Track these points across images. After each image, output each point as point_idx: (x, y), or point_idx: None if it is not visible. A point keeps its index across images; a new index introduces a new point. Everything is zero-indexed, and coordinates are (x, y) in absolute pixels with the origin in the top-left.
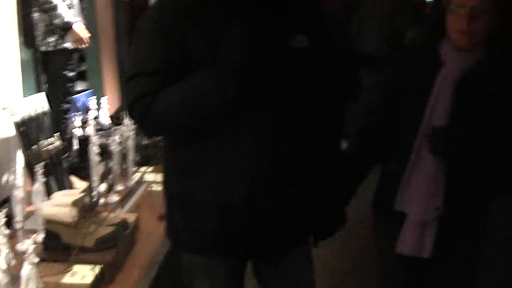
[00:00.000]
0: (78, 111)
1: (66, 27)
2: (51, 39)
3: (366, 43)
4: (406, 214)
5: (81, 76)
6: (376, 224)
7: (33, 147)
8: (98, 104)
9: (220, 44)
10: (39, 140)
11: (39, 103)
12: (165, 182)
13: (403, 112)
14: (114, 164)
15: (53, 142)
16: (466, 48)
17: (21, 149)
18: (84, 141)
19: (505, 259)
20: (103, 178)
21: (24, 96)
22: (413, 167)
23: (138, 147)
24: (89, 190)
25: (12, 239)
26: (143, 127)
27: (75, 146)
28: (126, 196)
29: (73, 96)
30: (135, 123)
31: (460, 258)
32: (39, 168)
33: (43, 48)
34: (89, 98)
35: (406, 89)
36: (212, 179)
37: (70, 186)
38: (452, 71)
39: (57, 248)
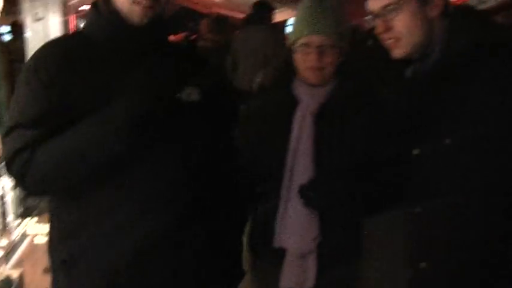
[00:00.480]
0: None
1: None
2: None
3: (240, 79)
4: (285, 249)
5: None
6: (255, 264)
7: None
8: None
9: (112, 96)
10: None
11: None
12: (50, 246)
13: (269, 152)
14: None
15: None
16: (318, 84)
17: None
18: None
19: (383, 276)
20: None
21: None
22: (286, 204)
23: (19, 199)
24: None
25: None
26: (23, 184)
27: None
28: (9, 251)
29: None
30: (14, 180)
31: (341, 282)
32: None
33: None
34: None
35: (267, 130)
36: (97, 243)
37: None
38: (308, 106)
39: None
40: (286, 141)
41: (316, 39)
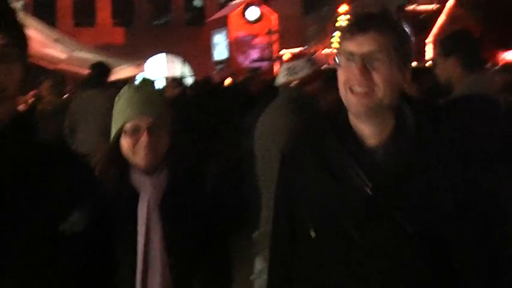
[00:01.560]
0: None
1: None
2: None
3: (80, 144)
4: None
5: None
6: None
7: None
8: None
9: None
10: None
11: None
12: None
13: (124, 248)
14: None
15: None
16: (150, 166)
17: None
18: None
19: None
20: None
21: None
22: None
23: None
24: None
25: None
26: None
27: None
28: None
29: None
30: None
31: None
32: None
33: None
34: None
35: (117, 225)
36: None
37: None
38: (151, 199)
39: None
40: (134, 234)
41: (146, 120)
